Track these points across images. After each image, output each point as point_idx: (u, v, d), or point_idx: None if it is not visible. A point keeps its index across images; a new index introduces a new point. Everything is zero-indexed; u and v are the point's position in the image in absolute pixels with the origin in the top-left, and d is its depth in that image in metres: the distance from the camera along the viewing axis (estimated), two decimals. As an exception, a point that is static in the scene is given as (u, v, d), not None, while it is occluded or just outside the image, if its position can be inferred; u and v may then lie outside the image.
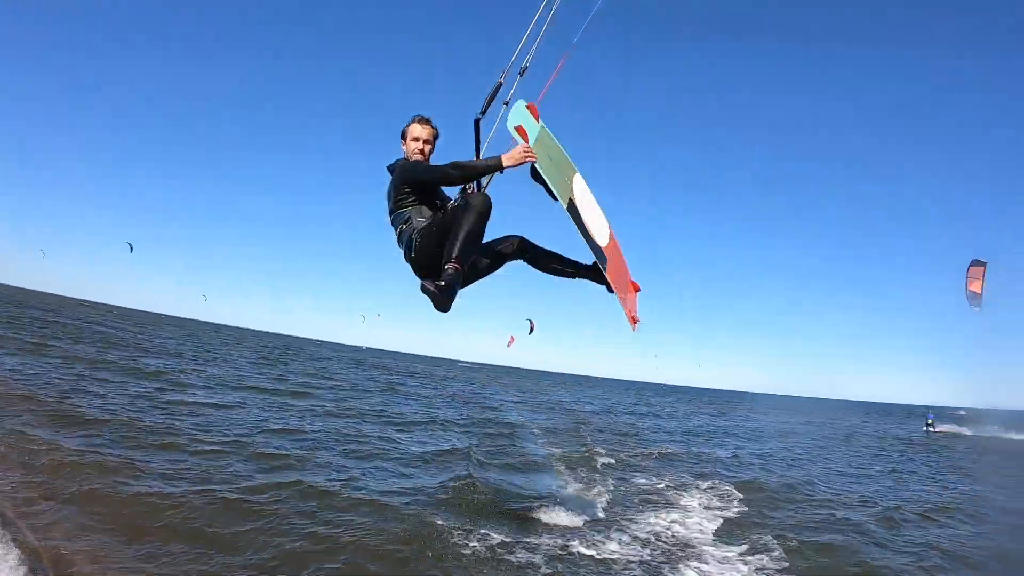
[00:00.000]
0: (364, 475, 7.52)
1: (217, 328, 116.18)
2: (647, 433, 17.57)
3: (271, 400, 13.62)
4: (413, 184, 3.64)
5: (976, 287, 20.85)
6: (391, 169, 3.80)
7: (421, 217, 3.61)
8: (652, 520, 6.95)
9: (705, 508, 7.82)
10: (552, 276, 3.85)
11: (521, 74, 3.76)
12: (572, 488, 8.38)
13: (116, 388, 11.25)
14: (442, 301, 3.19)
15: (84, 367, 13.40)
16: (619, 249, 4.02)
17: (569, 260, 3.82)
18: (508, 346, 29.11)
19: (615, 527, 6.50)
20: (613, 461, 10.81)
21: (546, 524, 6.36)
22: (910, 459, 16.74)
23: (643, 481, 9.30)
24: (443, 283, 3.15)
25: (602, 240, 3.76)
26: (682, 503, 8.03)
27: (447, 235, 3.35)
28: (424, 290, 3.16)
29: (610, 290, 3.67)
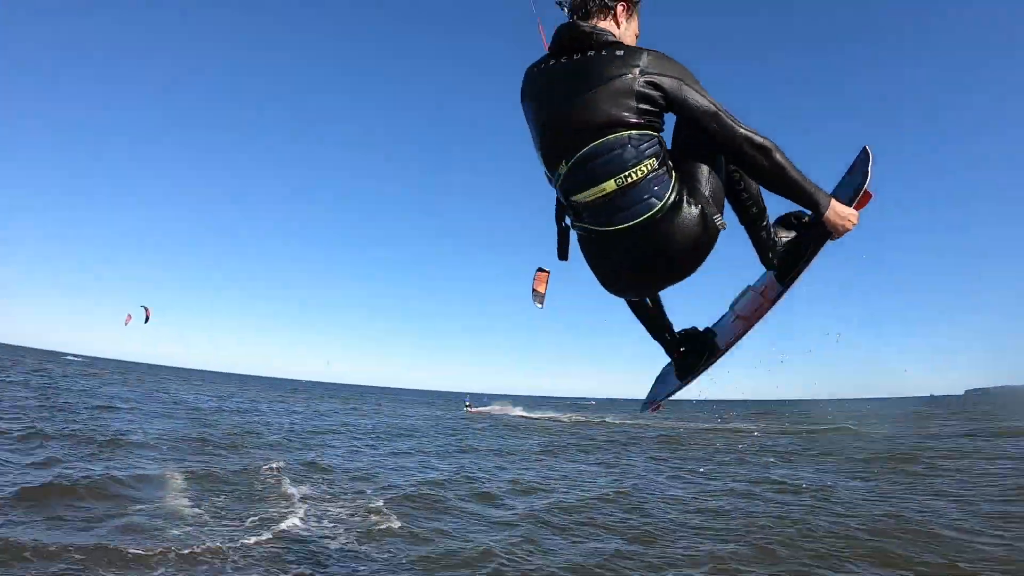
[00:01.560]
0: None
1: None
2: (266, 432, 16.52)
3: None
4: (671, 109, 1.71)
5: (541, 288, 27.29)
6: (598, 42, 1.72)
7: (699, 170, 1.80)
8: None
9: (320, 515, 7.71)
10: None
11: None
12: (179, 506, 7.17)
13: None
14: None
15: None
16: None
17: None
18: (125, 324, 26.08)
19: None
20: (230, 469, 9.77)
21: (134, 555, 5.27)
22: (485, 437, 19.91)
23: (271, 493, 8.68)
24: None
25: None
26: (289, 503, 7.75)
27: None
28: None
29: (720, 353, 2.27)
